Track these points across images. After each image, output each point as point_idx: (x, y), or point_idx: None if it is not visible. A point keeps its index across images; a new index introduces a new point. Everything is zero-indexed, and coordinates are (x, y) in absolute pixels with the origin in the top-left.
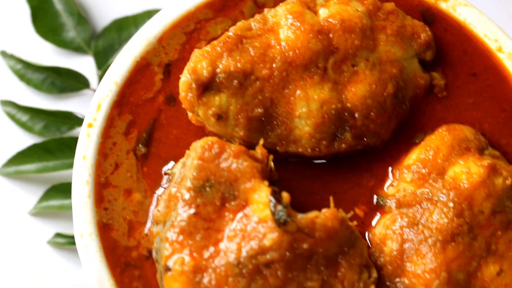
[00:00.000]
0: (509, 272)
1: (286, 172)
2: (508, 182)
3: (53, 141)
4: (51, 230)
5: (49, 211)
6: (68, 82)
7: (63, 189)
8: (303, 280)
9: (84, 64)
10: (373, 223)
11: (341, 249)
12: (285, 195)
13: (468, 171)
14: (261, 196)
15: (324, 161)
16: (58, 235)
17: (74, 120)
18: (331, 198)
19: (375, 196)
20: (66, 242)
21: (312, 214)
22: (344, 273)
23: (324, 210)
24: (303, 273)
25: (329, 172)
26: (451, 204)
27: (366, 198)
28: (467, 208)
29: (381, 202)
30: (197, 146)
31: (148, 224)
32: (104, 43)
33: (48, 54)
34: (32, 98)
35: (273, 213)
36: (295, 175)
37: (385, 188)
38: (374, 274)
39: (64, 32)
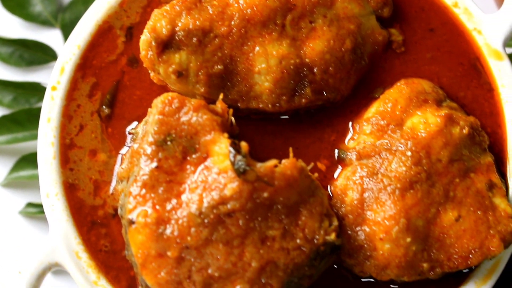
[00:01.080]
0: (467, 218)
1: (248, 129)
2: (465, 131)
3: (22, 112)
4: (22, 201)
5: (20, 181)
6: (36, 55)
7: (33, 159)
8: (265, 229)
9: (52, 37)
10: (335, 176)
11: (301, 198)
12: (243, 145)
13: (425, 121)
14: (221, 147)
15: (286, 117)
16: (29, 204)
17: (43, 92)
18: (290, 149)
19: (336, 150)
20: (37, 211)
21: (271, 162)
22: (305, 222)
23: (283, 161)
24: (264, 222)
25: (291, 128)
26: (409, 153)
27: (328, 152)
28: (425, 156)
29: (342, 155)
30: (158, 102)
31: (113, 183)
32: (71, 16)
33: (15, 28)
34: (0, 72)
35: (233, 163)
36: (258, 132)
37: (346, 142)
38: (335, 222)
39: (31, 6)
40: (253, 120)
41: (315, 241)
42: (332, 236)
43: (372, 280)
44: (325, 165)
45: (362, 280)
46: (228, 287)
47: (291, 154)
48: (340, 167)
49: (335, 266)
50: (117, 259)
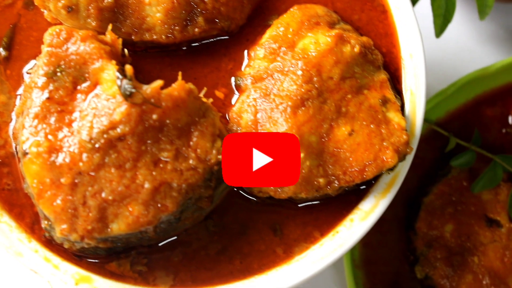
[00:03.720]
0: (360, 132)
1: (146, 62)
2: (356, 49)
3: None
4: None
5: None
6: None
7: None
8: (157, 151)
9: None
10: (233, 102)
11: (192, 120)
12: (128, 68)
13: (316, 41)
14: (109, 74)
15: (184, 48)
16: None
17: None
18: (179, 73)
19: (233, 78)
20: None
21: (156, 83)
22: (197, 142)
23: (173, 84)
24: (156, 144)
25: (189, 59)
26: (299, 72)
27: (226, 80)
28: (316, 74)
29: (239, 82)
30: (46, 35)
31: (13, 123)
32: None
33: None
34: None
35: (120, 87)
36: (155, 65)
37: (242, 69)
38: None
39: None
40: (150, 53)
41: (208, 161)
42: None
43: (274, 200)
44: (223, 93)
45: (269, 201)
46: (122, 210)
47: (179, 77)
48: (237, 93)
49: (235, 189)
50: (20, 196)
